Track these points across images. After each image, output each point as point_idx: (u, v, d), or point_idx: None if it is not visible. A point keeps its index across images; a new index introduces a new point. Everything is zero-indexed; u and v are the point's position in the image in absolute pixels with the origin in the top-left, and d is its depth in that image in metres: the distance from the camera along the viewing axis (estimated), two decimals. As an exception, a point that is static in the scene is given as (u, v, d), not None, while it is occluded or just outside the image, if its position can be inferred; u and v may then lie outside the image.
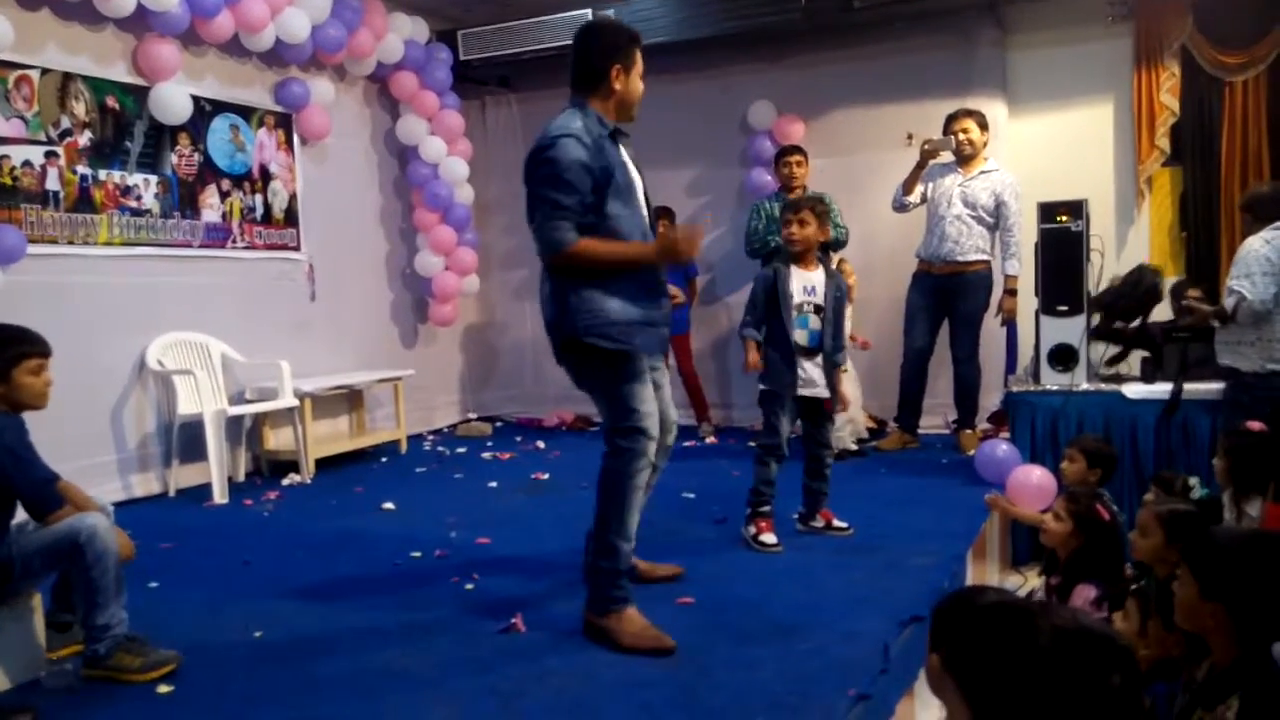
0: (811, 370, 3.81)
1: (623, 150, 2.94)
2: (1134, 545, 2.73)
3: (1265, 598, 1.70)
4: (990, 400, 5.65)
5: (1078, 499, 3.10)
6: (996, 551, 4.30)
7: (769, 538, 3.74)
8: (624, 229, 2.85)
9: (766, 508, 3.81)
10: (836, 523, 3.96)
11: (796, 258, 3.85)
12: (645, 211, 2.99)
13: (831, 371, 3.85)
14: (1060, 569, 3.08)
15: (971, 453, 4.95)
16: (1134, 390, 4.42)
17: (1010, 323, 5.53)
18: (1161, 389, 4.35)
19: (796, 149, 5.88)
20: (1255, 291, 3.79)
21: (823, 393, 3.84)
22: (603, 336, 2.80)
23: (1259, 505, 3.02)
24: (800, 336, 3.79)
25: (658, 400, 3.01)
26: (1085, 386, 4.55)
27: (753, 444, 3.94)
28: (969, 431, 5.44)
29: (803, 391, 3.81)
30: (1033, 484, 4.06)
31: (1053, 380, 4.61)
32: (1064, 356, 4.60)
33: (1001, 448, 4.53)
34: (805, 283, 3.82)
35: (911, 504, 4.35)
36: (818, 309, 3.82)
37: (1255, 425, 3.21)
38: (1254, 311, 3.82)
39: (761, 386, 3.88)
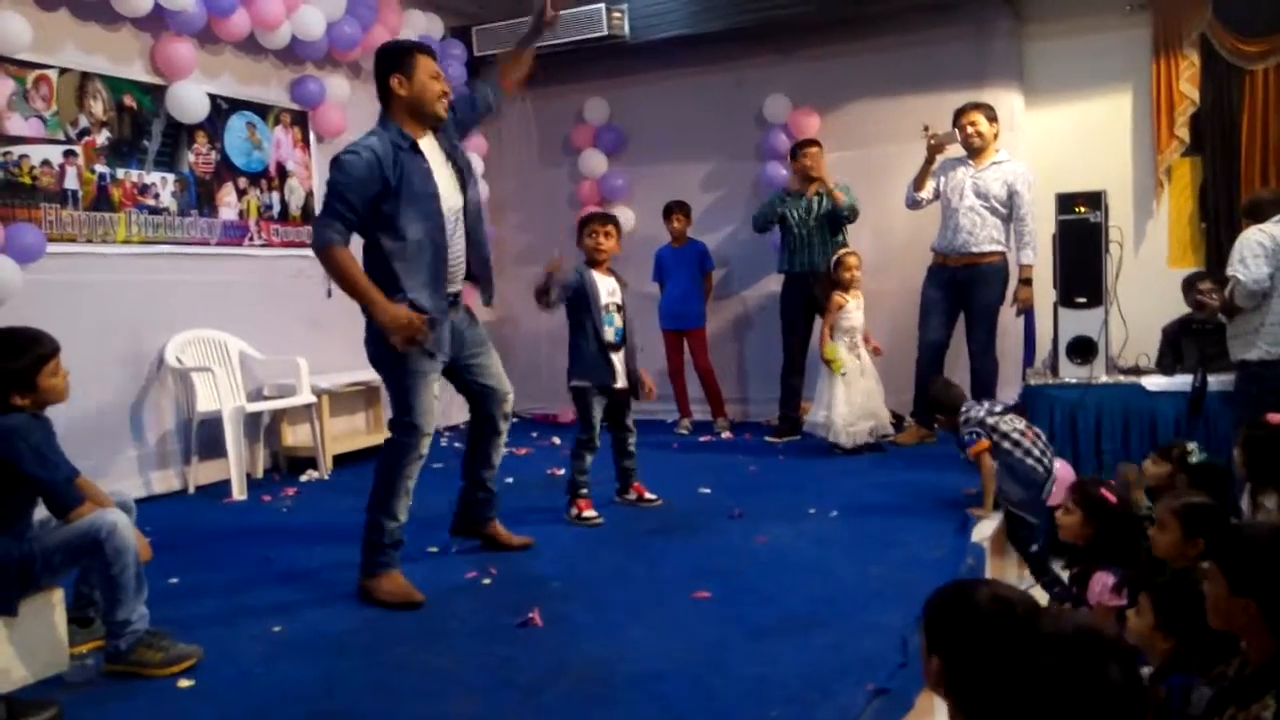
0: (617, 364, 4.21)
1: (429, 154, 3.24)
2: (1152, 541, 2.71)
3: None
4: (1008, 393, 5.61)
5: (1084, 487, 3.09)
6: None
7: (590, 512, 4.16)
8: (410, 235, 3.15)
9: (585, 490, 4.22)
10: (647, 495, 4.40)
11: (596, 264, 4.23)
12: (446, 212, 3.24)
13: (633, 361, 4.29)
14: (1079, 558, 3.06)
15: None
16: (1153, 383, 4.38)
17: (1026, 313, 5.49)
18: (1181, 381, 4.32)
19: (813, 141, 5.87)
20: (1248, 273, 3.85)
21: (623, 383, 4.24)
22: (379, 342, 3.19)
23: (1276, 498, 3.00)
24: (609, 334, 4.18)
25: (488, 368, 3.53)
26: (1104, 379, 4.53)
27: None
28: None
29: (613, 384, 4.20)
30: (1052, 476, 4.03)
31: (1071, 373, 4.58)
32: (1082, 349, 4.57)
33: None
34: (607, 286, 4.24)
35: (929, 497, 4.33)
36: (619, 308, 4.24)
37: (1275, 418, 3.18)
38: (1249, 292, 3.87)
39: (576, 383, 4.21)
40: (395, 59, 3.24)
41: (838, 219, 5.74)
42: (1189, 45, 5.62)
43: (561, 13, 6.18)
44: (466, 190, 3.36)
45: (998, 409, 4.07)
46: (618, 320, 4.24)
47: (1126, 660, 1.19)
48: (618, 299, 4.27)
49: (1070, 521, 3.03)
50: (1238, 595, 1.72)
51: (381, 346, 3.21)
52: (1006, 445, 3.91)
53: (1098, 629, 1.21)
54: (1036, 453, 3.89)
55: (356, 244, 3.23)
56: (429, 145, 3.28)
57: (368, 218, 3.14)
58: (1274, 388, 3.80)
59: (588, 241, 4.25)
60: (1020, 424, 3.99)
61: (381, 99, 3.28)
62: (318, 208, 6.04)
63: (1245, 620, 1.72)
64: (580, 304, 4.19)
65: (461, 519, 3.80)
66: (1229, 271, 3.94)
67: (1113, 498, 3.00)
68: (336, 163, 3.13)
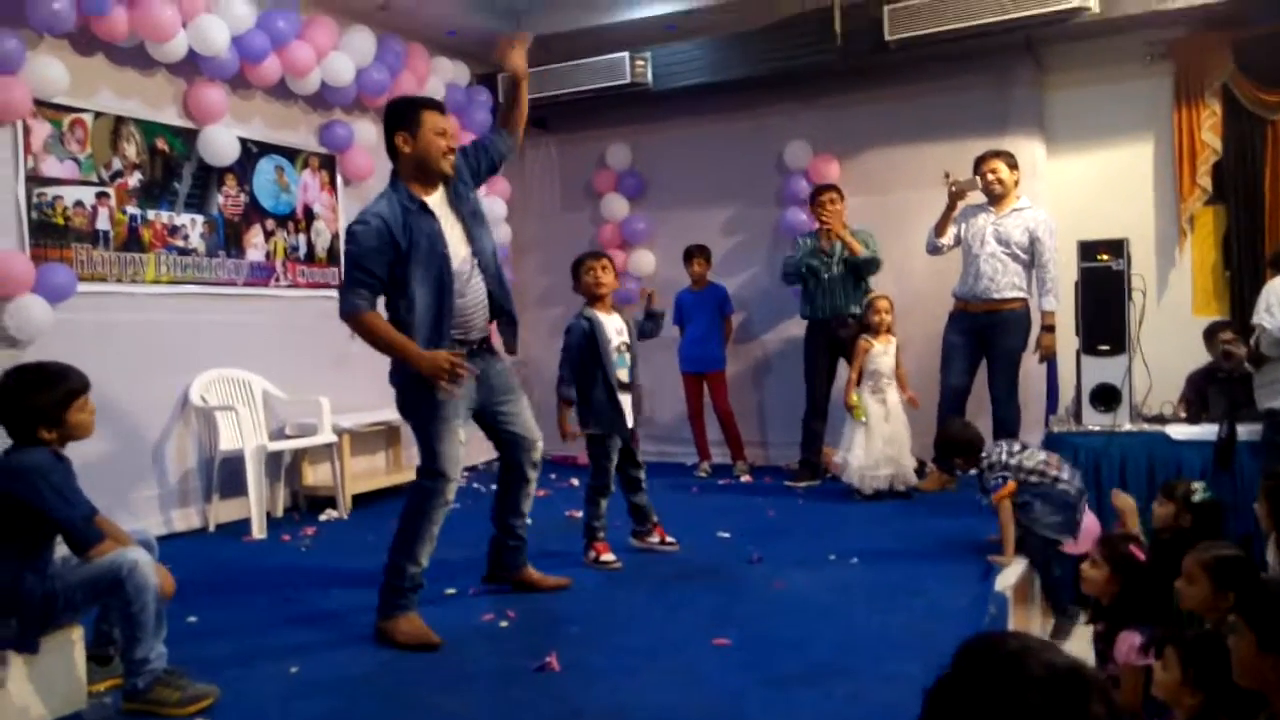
0: (628, 405, 4.14)
1: (439, 212, 3.25)
2: (1180, 594, 2.67)
3: None
4: (1032, 440, 5.56)
5: (1112, 542, 3.04)
6: (1038, 593, 4.21)
7: (609, 555, 4.11)
8: (418, 295, 3.18)
9: (602, 534, 4.17)
10: (668, 539, 4.32)
11: (598, 300, 4.15)
12: (456, 269, 3.24)
13: (638, 396, 4.23)
14: (1104, 615, 3.01)
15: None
16: (1179, 431, 4.34)
17: (1049, 360, 5.46)
18: (1208, 430, 4.27)
19: (828, 188, 5.90)
20: (1274, 322, 3.79)
21: (631, 421, 4.17)
22: (406, 389, 3.27)
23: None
24: (622, 374, 4.13)
25: (517, 416, 3.54)
26: (1128, 427, 4.48)
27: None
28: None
29: (626, 428, 4.14)
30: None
31: (1095, 420, 4.54)
32: (1106, 396, 4.53)
33: (1043, 489, 4.45)
34: (614, 326, 4.15)
35: (952, 545, 4.28)
36: (628, 346, 4.17)
37: (1299, 469, 3.13)
38: (1275, 340, 3.81)
39: (591, 432, 4.15)
40: (400, 116, 3.26)
41: (859, 266, 5.75)
42: (1211, 95, 5.63)
43: (587, 61, 6.34)
44: (474, 239, 3.35)
45: (1016, 447, 4.05)
46: (627, 358, 4.18)
47: (1108, 699, 1.18)
48: (626, 337, 4.19)
49: (1096, 576, 2.97)
50: (1266, 652, 1.69)
51: (409, 393, 3.26)
52: (1034, 479, 3.89)
53: (1078, 667, 1.20)
54: (1065, 475, 3.91)
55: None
56: (437, 202, 3.29)
57: (387, 282, 3.19)
58: None
59: (586, 279, 4.16)
60: (1041, 454, 4.00)
61: (391, 158, 3.31)
62: (344, 250, 6.16)
63: (1275, 677, 1.68)
64: (589, 352, 4.10)
65: (493, 567, 3.79)
66: (1255, 320, 3.91)
67: (1141, 555, 2.95)
68: (350, 234, 3.20)
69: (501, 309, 3.46)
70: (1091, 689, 1.14)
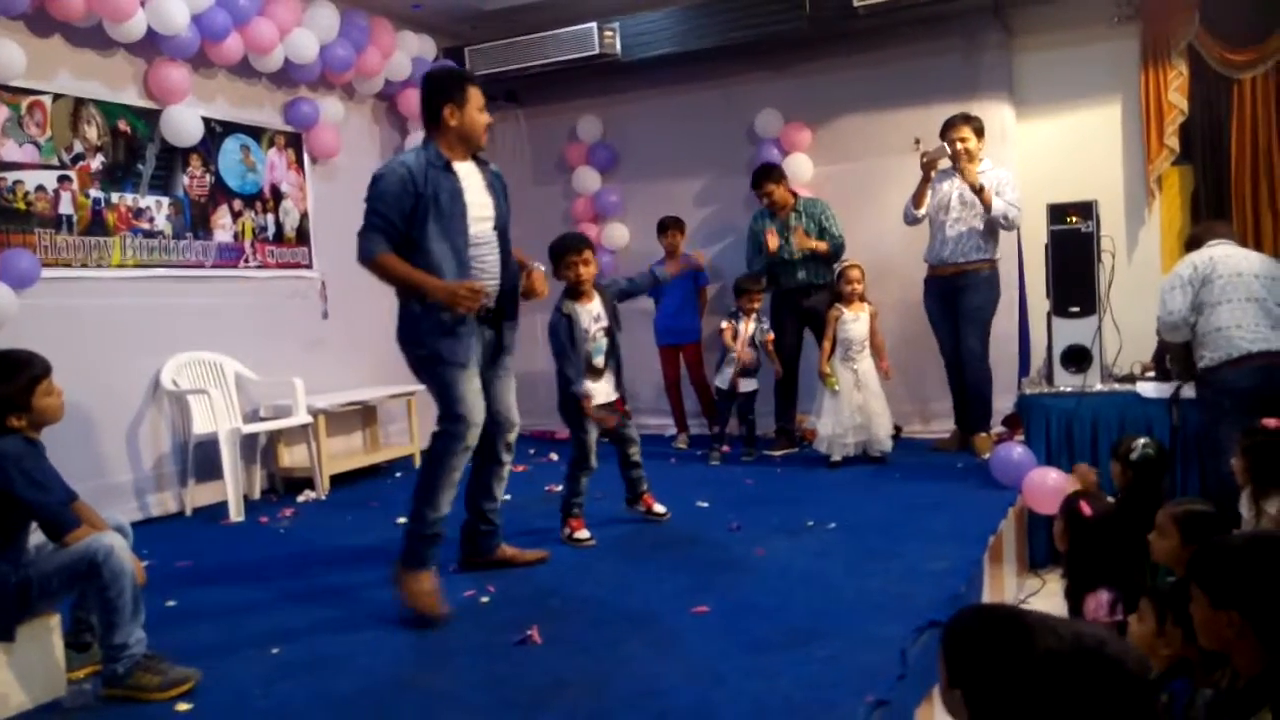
0: (605, 381, 4.21)
1: (464, 177, 3.34)
2: (1152, 547, 2.72)
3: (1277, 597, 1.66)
4: (1004, 403, 5.63)
5: (1066, 500, 3.10)
6: (1013, 554, 4.27)
7: (583, 533, 4.12)
8: (434, 250, 3.25)
9: (577, 510, 4.19)
10: (656, 508, 4.37)
11: (578, 294, 4.15)
12: (472, 235, 3.34)
13: (619, 373, 4.27)
14: (1067, 571, 3.08)
15: (986, 456, 4.93)
16: (1149, 389, 4.39)
17: (1021, 322, 5.54)
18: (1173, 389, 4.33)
19: (768, 173, 5.88)
20: (1162, 311, 4.06)
21: (608, 397, 4.21)
22: (414, 343, 3.33)
23: (1278, 503, 3.01)
24: (598, 360, 4.18)
25: (503, 395, 3.58)
26: (1099, 387, 4.54)
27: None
28: (983, 435, 5.41)
29: (599, 400, 4.17)
30: (1049, 487, 4.04)
31: (1066, 382, 4.59)
32: (1077, 357, 4.59)
33: (1017, 450, 4.51)
34: (592, 313, 4.17)
35: (927, 508, 4.33)
36: (606, 330, 4.20)
37: (1272, 422, 3.18)
38: (1171, 326, 4.05)
39: (567, 408, 4.19)
40: (449, 89, 3.34)
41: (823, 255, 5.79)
42: (1177, 55, 5.65)
43: (555, 32, 6.30)
44: (496, 207, 3.45)
45: None
46: (605, 344, 4.19)
47: (1119, 674, 1.20)
48: (604, 322, 4.19)
49: (1057, 529, 3.05)
50: (1220, 609, 1.70)
51: (416, 348, 3.32)
52: None
53: (1101, 642, 1.21)
54: None
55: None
56: (466, 168, 3.38)
57: (404, 233, 3.23)
58: (1224, 390, 3.91)
59: (567, 274, 4.14)
60: None
61: (428, 122, 3.38)
62: (313, 229, 6.12)
63: (1231, 634, 1.69)
64: (564, 342, 4.12)
65: (467, 552, 3.78)
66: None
67: (1088, 509, 3.00)
68: (373, 180, 3.26)
69: (511, 279, 3.52)
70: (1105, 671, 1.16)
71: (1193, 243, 4.30)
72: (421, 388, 6.19)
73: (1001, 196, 5.24)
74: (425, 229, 3.23)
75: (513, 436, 3.67)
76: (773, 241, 5.83)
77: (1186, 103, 5.67)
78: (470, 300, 3.19)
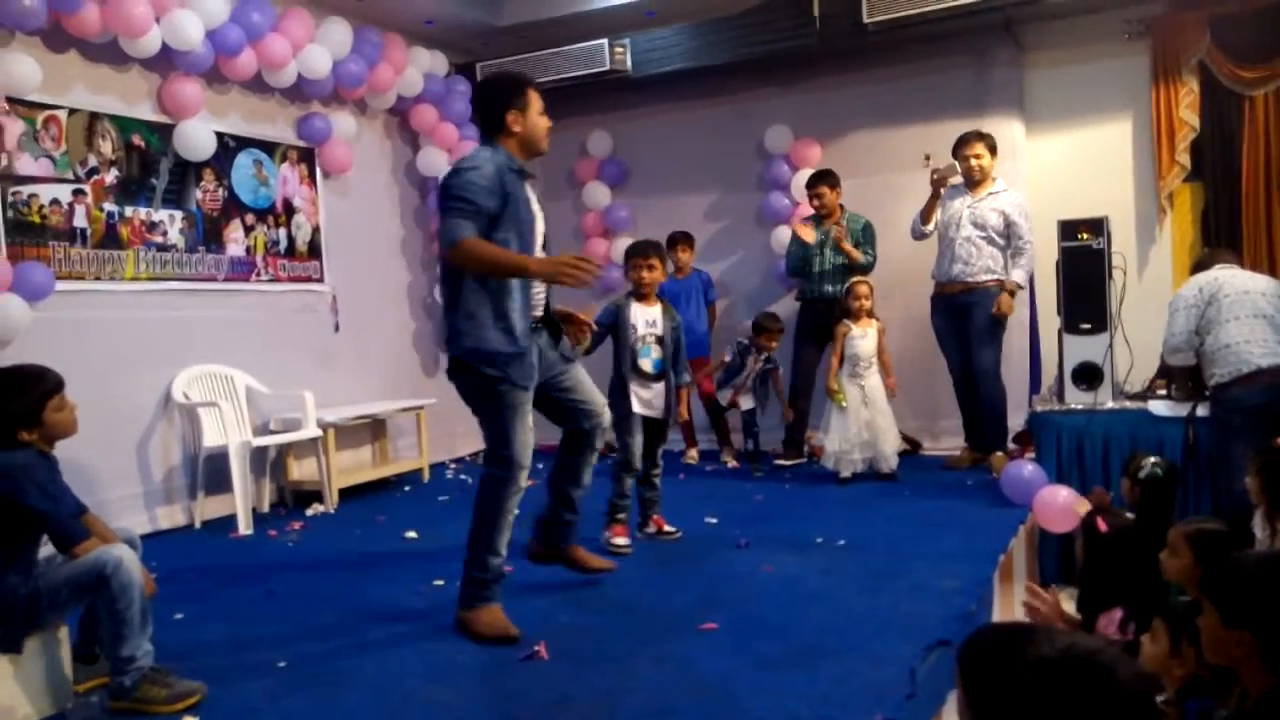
0: (652, 394, 4.30)
1: (528, 188, 3.28)
2: (1164, 565, 2.69)
3: None
4: (1015, 420, 5.60)
5: (1086, 516, 3.08)
6: (1024, 573, 4.24)
7: (622, 540, 4.13)
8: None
9: (622, 515, 4.19)
10: (666, 528, 4.37)
11: (641, 296, 4.35)
12: (536, 250, 3.28)
13: (675, 391, 4.36)
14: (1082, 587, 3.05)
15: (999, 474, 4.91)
16: (1161, 407, 4.36)
17: (1032, 339, 5.54)
18: (1188, 408, 4.30)
19: (823, 177, 5.93)
20: (1167, 334, 4.10)
21: (660, 414, 4.31)
22: (483, 362, 3.13)
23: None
24: (645, 364, 4.29)
25: (579, 384, 3.47)
26: (1110, 405, 4.51)
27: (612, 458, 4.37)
28: (1000, 454, 5.37)
29: (642, 411, 4.27)
30: (1059, 504, 4.01)
31: (1077, 399, 4.57)
32: (1088, 375, 4.57)
33: (1027, 468, 4.49)
34: (647, 317, 4.33)
35: (937, 526, 4.31)
36: (659, 340, 4.31)
37: (1285, 441, 3.17)
38: (1173, 349, 4.10)
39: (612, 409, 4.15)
40: (511, 94, 3.26)
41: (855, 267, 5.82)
42: (1188, 72, 5.65)
43: (566, 48, 6.32)
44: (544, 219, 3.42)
45: None
46: (655, 351, 4.30)
47: (1123, 682, 1.19)
48: (658, 330, 4.32)
49: (1079, 547, 3.03)
50: (1231, 628, 1.68)
51: (474, 380, 3.18)
52: None
53: (1093, 651, 1.22)
54: None
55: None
56: (527, 180, 3.33)
57: (488, 228, 3.11)
58: (1235, 407, 3.89)
59: (632, 275, 4.39)
60: None
61: (488, 127, 3.29)
62: (324, 243, 6.15)
63: (1241, 653, 1.68)
64: (613, 337, 4.31)
65: (543, 541, 3.64)
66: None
67: (1104, 525, 2.98)
68: (456, 172, 3.13)
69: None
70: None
71: (1198, 268, 4.32)
72: (431, 401, 6.36)
73: (1016, 225, 5.26)
74: (504, 233, 3.12)
75: (606, 419, 3.54)
76: (808, 233, 5.86)
77: (1198, 119, 5.67)
78: (584, 271, 3.06)
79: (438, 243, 3.22)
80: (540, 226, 3.32)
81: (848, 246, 5.76)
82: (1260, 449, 3.25)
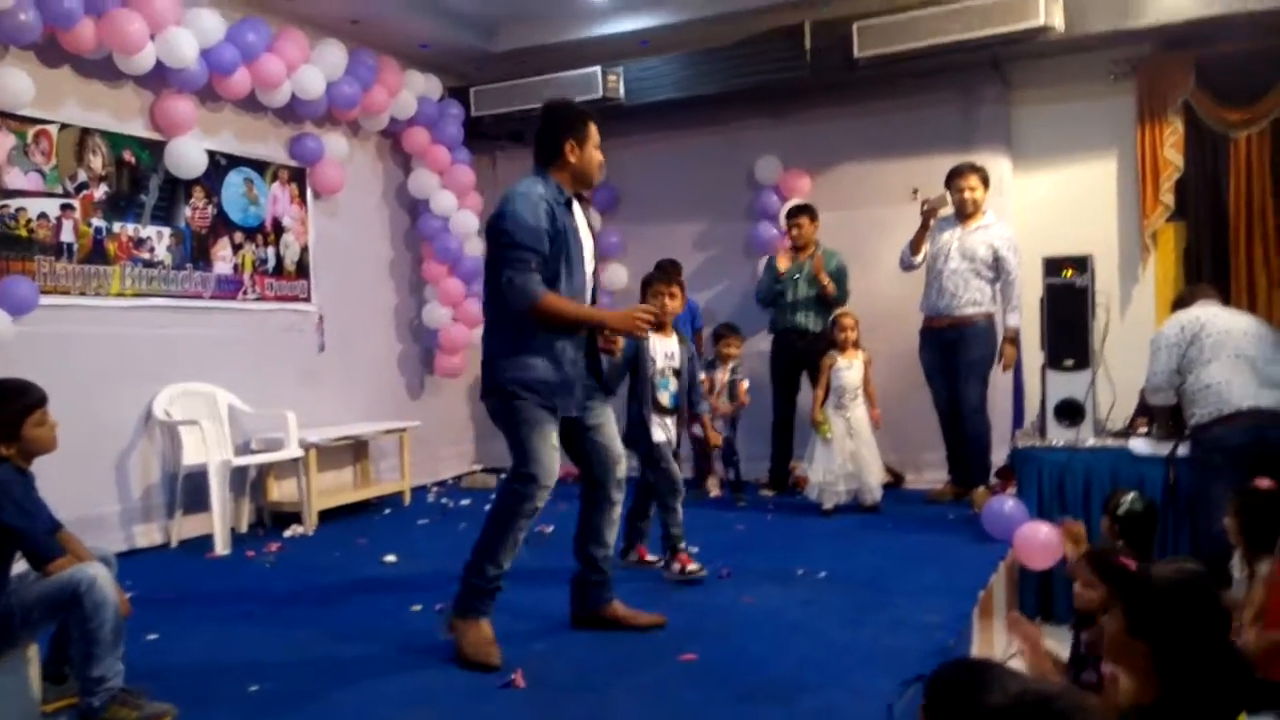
0: (668, 429, 4.19)
1: (577, 216, 3.28)
2: (1076, 595, 2.71)
3: (1189, 640, 1.74)
4: (997, 455, 5.61)
5: (1103, 559, 3.00)
6: (1004, 608, 4.23)
7: (693, 565, 4.05)
8: (564, 289, 3.17)
9: (683, 543, 4.12)
10: (648, 557, 4.29)
11: (659, 326, 4.10)
12: (587, 275, 3.30)
13: (695, 422, 4.33)
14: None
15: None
16: (1142, 446, 4.38)
17: (1015, 374, 5.57)
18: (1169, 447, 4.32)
19: (803, 210, 5.99)
20: (1150, 372, 4.10)
21: (667, 440, 4.18)
22: (526, 389, 3.14)
23: (1270, 564, 2.98)
24: (663, 398, 4.16)
25: (603, 427, 3.41)
26: (1092, 442, 4.52)
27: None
28: (982, 489, 5.37)
29: (659, 438, 4.14)
30: (1039, 541, 4.01)
31: (1059, 435, 4.58)
32: (1070, 411, 4.58)
33: (1008, 504, 4.49)
34: (665, 349, 4.19)
35: (918, 560, 4.30)
36: (675, 372, 4.19)
37: (1265, 483, 3.18)
38: (1154, 388, 4.10)
39: (635, 439, 4.13)
40: (572, 125, 3.27)
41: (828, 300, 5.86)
42: (1173, 112, 5.72)
43: (560, 74, 6.35)
44: (595, 253, 3.38)
45: None
46: (673, 384, 4.19)
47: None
48: (675, 362, 4.20)
49: (1094, 596, 2.88)
50: (1135, 637, 1.77)
51: (501, 404, 3.18)
52: None
53: (1047, 697, 1.23)
54: None
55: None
56: (576, 208, 3.31)
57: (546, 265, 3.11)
58: (1215, 447, 3.88)
59: (653, 303, 4.12)
60: None
61: (544, 155, 3.28)
62: (313, 263, 6.15)
63: (1137, 662, 1.77)
64: (633, 365, 4.13)
65: (579, 606, 3.50)
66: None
67: (1132, 564, 2.92)
68: (508, 211, 3.11)
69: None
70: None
71: (1179, 304, 4.33)
72: (414, 423, 6.34)
73: (1005, 260, 5.32)
74: (557, 266, 3.13)
75: (622, 471, 3.46)
76: (783, 261, 5.90)
77: (1182, 159, 5.73)
78: (647, 319, 3.21)
79: (491, 287, 3.21)
80: (590, 255, 3.31)
81: (824, 277, 5.80)
82: (1239, 490, 3.26)
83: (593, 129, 3.30)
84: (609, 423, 3.45)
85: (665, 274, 4.25)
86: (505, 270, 3.10)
